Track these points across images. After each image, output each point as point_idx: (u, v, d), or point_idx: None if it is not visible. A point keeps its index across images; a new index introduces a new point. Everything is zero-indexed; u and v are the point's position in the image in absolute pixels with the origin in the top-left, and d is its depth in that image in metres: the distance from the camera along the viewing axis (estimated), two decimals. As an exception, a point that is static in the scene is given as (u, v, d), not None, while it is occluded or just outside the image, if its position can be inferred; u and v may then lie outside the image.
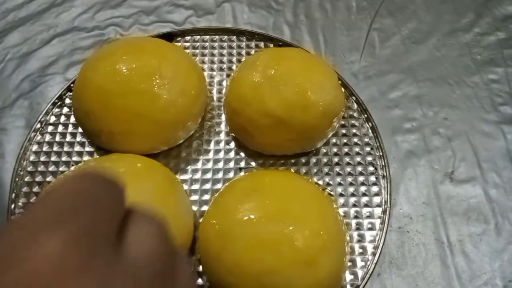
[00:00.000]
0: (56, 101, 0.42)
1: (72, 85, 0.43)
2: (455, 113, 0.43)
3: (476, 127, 0.42)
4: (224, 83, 0.44)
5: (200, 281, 0.34)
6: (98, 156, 0.39)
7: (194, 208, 0.37)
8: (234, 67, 0.45)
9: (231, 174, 0.39)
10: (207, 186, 0.38)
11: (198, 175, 0.39)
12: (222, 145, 0.41)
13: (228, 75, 0.45)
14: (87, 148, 0.40)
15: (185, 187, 0.38)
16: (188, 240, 0.34)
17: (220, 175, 0.39)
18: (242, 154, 0.40)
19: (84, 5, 0.51)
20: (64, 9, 0.51)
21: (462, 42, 0.47)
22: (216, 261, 0.31)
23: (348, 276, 0.34)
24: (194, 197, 0.38)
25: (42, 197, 0.13)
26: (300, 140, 0.37)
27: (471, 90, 0.44)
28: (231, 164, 0.39)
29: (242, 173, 0.39)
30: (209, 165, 0.39)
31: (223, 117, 0.42)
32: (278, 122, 0.36)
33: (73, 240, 0.11)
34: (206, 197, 0.38)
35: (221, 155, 0.40)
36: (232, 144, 0.40)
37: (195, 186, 0.38)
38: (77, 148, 0.40)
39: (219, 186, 0.38)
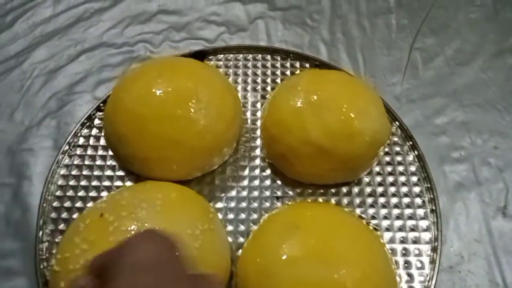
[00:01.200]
0: (85, 121, 0.41)
1: (101, 104, 0.42)
2: (505, 141, 0.40)
3: (528, 157, 0.39)
4: (258, 105, 0.42)
5: (237, 321, 0.32)
6: (129, 182, 0.38)
7: (230, 239, 0.35)
8: (268, 88, 0.43)
9: (267, 204, 0.37)
10: (243, 216, 0.36)
11: (233, 204, 0.37)
12: (257, 171, 0.38)
13: (262, 96, 0.43)
14: (118, 173, 0.38)
15: (220, 216, 0.36)
16: (226, 275, 0.32)
17: (256, 204, 0.37)
18: (279, 182, 0.38)
19: (112, 19, 0.49)
20: (92, 24, 0.49)
21: (510, 64, 0.44)
22: (258, 303, 0.29)
23: (398, 321, 0.31)
24: (229, 228, 0.36)
25: None
26: (343, 170, 0.35)
27: (522, 116, 0.41)
28: (268, 193, 0.37)
29: (279, 203, 0.37)
30: (244, 193, 0.37)
31: (258, 141, 0.40)
32: (321, 151, 0.33)
33: None
34: (242, 228, 0.36)
35: (257, 182, 0.38)
36: (268, 171, 0.38)
37: (230, 216, 0.36)
38: (108, 172, 0.38)
39: (255, 216, 0.36)
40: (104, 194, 0.37)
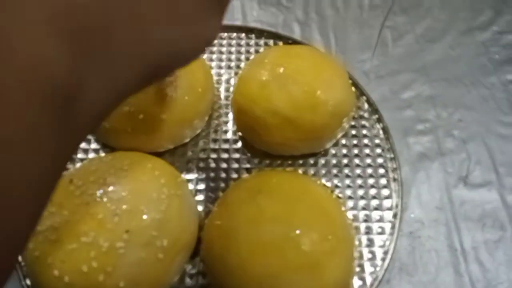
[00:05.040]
0: (63, 97, 0.42)
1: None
2: (471, 114, 0.41)
3: (492, 130, 0.40)
4: (232, 81, 0.43)
5: (204, 282, 0.33)
6: (103, 154, 0.39)
7: (200, 208, 0.36)
8: (242, 65, 0.44)
9: (237, 175, 0.38)
10: (213, 185, 0.38)
11: (204, 175, 0.38)
12: (228, 144, 0.40)
13: (236, 73, 0.44)
14: (93, 145, 0.39)
15: (191, 186, 0.37)
16: (193, 241, 0.33)
17: (226, 175, 0.38)
18: (249, 154, 0.39)
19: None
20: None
21: (478, 41, 0.45)
22: (219, 263, 0.30)
23: (357, 282, 0.33)
24: (200, 197, 0.37)
25: None
26: (308, 140, 0.36)
27: (488, 91, 0.42)
28: (238, 164, 0.39)
29: (248, 173, 0.38)
30: (216, 164, 0.39)
31: (230, 115, 0.41)
32: (286, 121, 0.35)
33: None
34: (212, 197, 0.37)
35: (228, 154, 0.39)
36: (239, 144, 0.40)
37: (201, 186, 0.38)
38: (83, 145, 0.39)
39: (225, 186, 0.37)
40: (78, 166, 0.38)
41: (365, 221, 0.35)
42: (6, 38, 0.12)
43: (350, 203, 0.36)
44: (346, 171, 0.38)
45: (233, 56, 0.45)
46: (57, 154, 0.15)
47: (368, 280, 0.33)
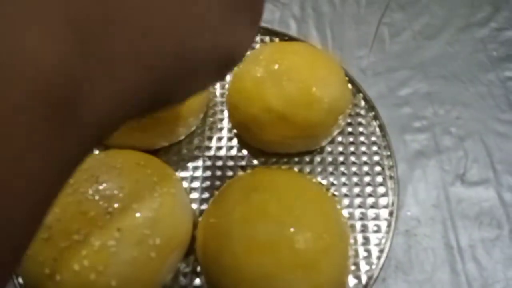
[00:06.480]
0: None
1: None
2: (468, 111, 0.41)
3: (490, 127, 0.40)
4: (227, 79, 0.43)
5: (198, 281, 0.33)
6: (97, 152, 0.38)
7: (194, 206, 0.36)
8: (238, 62, 0.44)
9: (232, 172, 0.38)
10: (208, 184, 0.37)
11: (198, 173, 0.38)
12: (224, 142, 0.39)
13: (232, 70, 0.43)
14: (86, 143, 0.39)
15: (185, 184, 0.37)
16: (187, 239, 0.33)
17: (221, 173, 0.38)
18: (245, 152, 0.39)
19: None
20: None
21: (477, 37, 0.45)
22: (213, 263, 0.30)
23: (352, 280, 0.32)
24: (194, 195, 0.37)
25: None
26: (303, 137, 0.36)
27: (486, 88, 0.42)
28: (233, 162, 0.38)
29: (243, 172, 0.38)
30: (210, 162, 0.38)
31: (225, 113, 0.41)
32: (281, 118, 0.34)
33: None
34: (206, 195, 0.37)
35: (223, 152, 0.39)
36: (235, 142, 0.39)
37: (196, 184, 0.37)
38: (76, 143, 0.39)
39: (219, 183, 0.37)
40: (72, 163, 0.38)
41: (361, 219, 0.35)
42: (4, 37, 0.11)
43: (346, 201, 0.36)
44: (342, 169, 0.37)
45: (228, 53, 0.45)
46: (59, 164, 0.13)
47: (364, 278, 0.32)
